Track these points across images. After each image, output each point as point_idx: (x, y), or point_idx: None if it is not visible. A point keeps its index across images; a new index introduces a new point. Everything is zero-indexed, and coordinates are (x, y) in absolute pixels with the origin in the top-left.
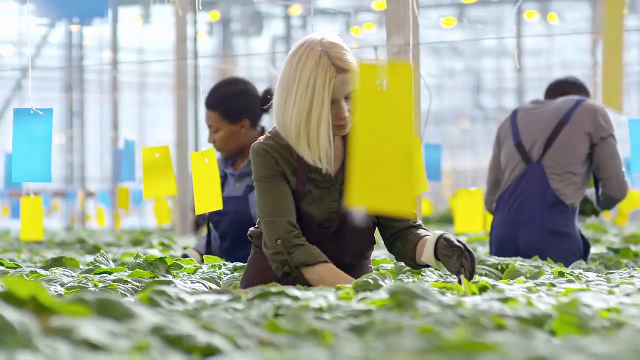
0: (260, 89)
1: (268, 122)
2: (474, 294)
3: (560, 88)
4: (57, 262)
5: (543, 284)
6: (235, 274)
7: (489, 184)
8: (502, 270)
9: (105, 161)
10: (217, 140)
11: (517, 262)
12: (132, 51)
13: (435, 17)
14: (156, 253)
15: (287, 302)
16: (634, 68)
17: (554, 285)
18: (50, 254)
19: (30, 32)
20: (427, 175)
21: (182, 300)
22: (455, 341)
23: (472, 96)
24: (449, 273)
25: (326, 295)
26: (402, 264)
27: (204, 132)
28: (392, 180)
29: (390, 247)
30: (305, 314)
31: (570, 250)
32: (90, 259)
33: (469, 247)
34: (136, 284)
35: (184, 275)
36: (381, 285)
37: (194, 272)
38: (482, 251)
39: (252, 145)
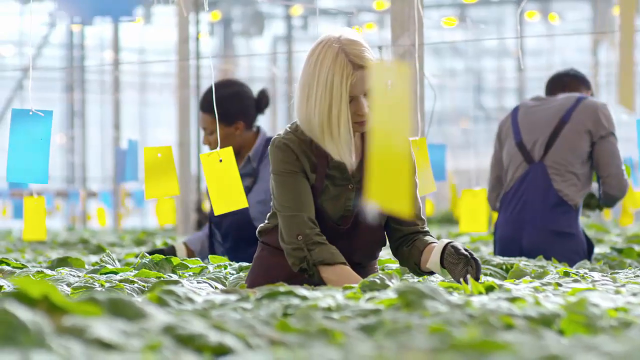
0: (259, 89)
1: (269, 121)
2: (480, 293)
3: (560, 80)
4: (63, 262)
5: (549, 284)
6: (241, 273)
7: (490, 181)
8: (507, 270)
9: (106, 161)
10: (212, 142)
11: (522, 262)
12: (133, 51)
13: (436, 17)
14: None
15: (295, 301)
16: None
17: (560, 285)
18: (54, 254)
19: (31, 32)
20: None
21: (190, 300)
22: (468, 340)
23: (473, 96)
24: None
25: (334, 294)
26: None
27: None
28: (394, 179)
29: (396, 251)
30: (314, 313)
31: (573, 250)
32: (94, 258)
33: (475, 256)
34: (142, 283)
35: (189, 275)
36: (388, 285)
37: (200, 272)
38: (485, 251)
39: (272, 139)
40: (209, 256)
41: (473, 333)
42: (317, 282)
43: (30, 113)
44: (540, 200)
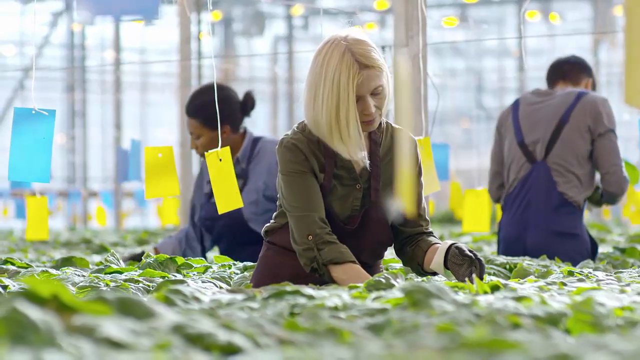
0: (260, 89)
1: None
2: (485, 292)
3: (560, 69)
4: (67, 262)
5: (554, 283)
6: (246, 273)
7: (491, 172)
8: (510, 270)
9: (107, 161)
10: (199, 146)
11: (525, 262)
12: (134, 51)
13: (436, 16)
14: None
15: (302, 301)
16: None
17: (565, 284)
18: (57, 254)
19: (32, 32)
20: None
21: (197, 299)
22: (478, 339)
23: (473, 96)
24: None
25: (340, 294)
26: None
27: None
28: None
29: (399, 251)
30: (321, 312)
31: (577, 250)
32: (97, 258)
33: (479, 256)
34: (147, 283)
35: (194, 274)
36: (393, 284)
37: (204, 272)
38: (488, 250)
39: (281, 139)
40: (213, 256)
41: (482, 332)
42: (327, 281)
43: (33, 112)
44: (543, 200)
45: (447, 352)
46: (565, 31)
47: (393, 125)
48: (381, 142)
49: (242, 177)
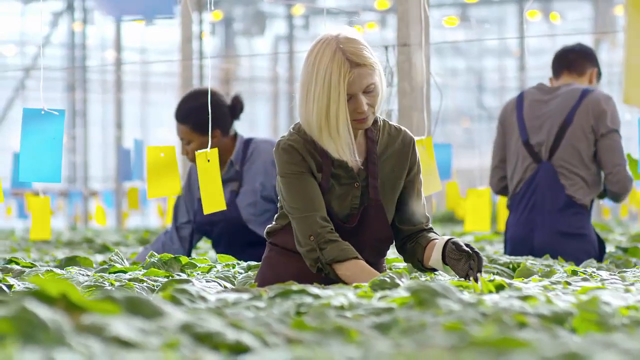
0: (260, 89)
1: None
2: (490, 292)
3: (565, 58)
4: (71, 261)
5: (558, 282)
6: (250, 272)
7: (493, 164)
8: (514, 269)
9: (108, 161)
10: (189, 152)
11: (528, 261)
12: (134, 50)
13: (437, 16)
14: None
15: (308, 300)
16: None
17: (569, 284)
18: (59, 254)
19: (38, 32)
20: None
21: (203, 299)
22: (487, 337)
23: (474, 96)
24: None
25: (346, 293)
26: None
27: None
28: None
29: (400, 248)
30: (328, 311)
31: (585, 250)
32: (100, 258)
33: (477, 249)
34: (152, 282)
35: (198, 274)
36: (398, 284)
37: (208, 271)
38: (490, 250)
39: (277, 141)
40: (217, 255)
41: (490, 331)
42: (334, 280)
43: (42, 112)
44: (550, 201)
45: (457, 351)
46: (565, 31)
47: (390, 123)
48: (378, 140)
49: (237, 179)
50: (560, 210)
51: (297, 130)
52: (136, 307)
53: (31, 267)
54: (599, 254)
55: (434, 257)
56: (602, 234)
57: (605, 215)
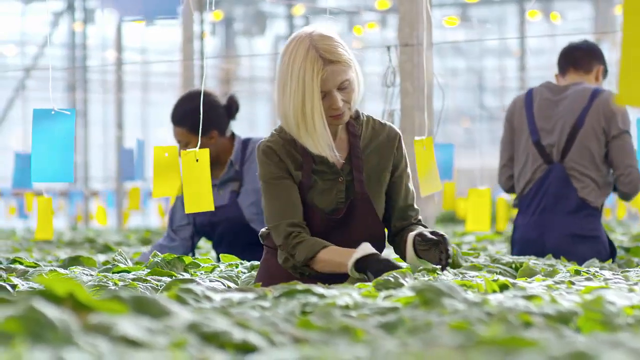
0: (260, 88)
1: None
2: (494, 291)
3: (572, 56)
4: (74, 261)
5: (562, 282)
6: (253, 272)
7: (501, 162)
8: (516, 269)
9: (108, 160)
10: None
11: (531, 261)
12: (134, 50)
13: (437, 16)
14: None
15: (313, 299)
16: None
17: (573, 283)
18: (61, 253)
19: (33, 32)
20: (440, 174)
21: (208, 298)
22: (495, 337)
23: (474, 95)
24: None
25: (350, 292)
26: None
27: None
28: None
29: (392, 243)
30: (333, 311)
31: (597, 252)
32: (102, 258)
33: (441, 232)
34: (155, 282)
35: (201, 273)
36: (402, 284)
37: (212, 271)
38: (492, 250)
39: (258, 144)
40: (220, 255)
41: (497, 330)
42: (328, 279)
43: (53, 112)
44: (562, 203)
45: (465, 350)
46: (566, 31)
47: (375, 118)
48: (361, 134)
49: (238, 179)
50: (572, 212)
51: (278, 131)
52: (143, 307)
53: (35, 267)
54: (611, 256)
55: (409, 254)
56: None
57: (606, 215)
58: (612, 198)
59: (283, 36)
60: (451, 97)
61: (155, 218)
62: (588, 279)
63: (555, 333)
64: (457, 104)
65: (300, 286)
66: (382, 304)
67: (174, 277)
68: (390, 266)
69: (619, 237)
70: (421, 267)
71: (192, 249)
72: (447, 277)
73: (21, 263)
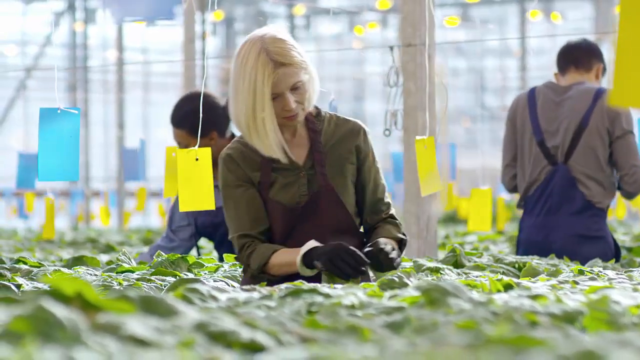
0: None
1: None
2: (499, 291)
3: (572, 55)
4: (78, 261)
5: (566, 281)
6: None
7: (504, 162)
8: (519, 269)
9: (109, 160)
10: None
11: (534, 261)
12: (135, 50)
13: (438, 16)
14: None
15: (318, 299)
16: None
17: (577, 283)
18: (64, 253)
19: (34, 32)
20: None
21: (214, 298)
22: (503, 336)
23: (475, 95)
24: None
25: (355, 292)
26: (421, 262)
27: None
28: None
29: (368, 239)
30: (339, 310)
31: (602, 253)
32: (104, 257)
33: (374, 248)
34: (159, 282)
35: (205, 273)
36: (406, 283)
37: (215, 271)
38: (494, 249)
39: (220, 153)
40: (224, 255)
41: (504, 329)
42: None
43: (58, 111)
44: (567, 204)
45: (474, 350)
46: (566, 31)
47: (339, 116)
48: (322, 129)
49: None
50: (578, 213)
51: (239, 137)
52: (151, 306)
53: (39, 267)
54: (616, 257)
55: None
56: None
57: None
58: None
59: None
60: (452, 97)
61: (155, 218)
62: (592, 279)
63: (562, 332)
64: (458, 104)
65: (306, 286)
66: (387, 304)
67: (178, 277)
68: (338, 249)
69: (620, 237)
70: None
71: (192, 249)
72: (451, 276)
73: (25, 263)
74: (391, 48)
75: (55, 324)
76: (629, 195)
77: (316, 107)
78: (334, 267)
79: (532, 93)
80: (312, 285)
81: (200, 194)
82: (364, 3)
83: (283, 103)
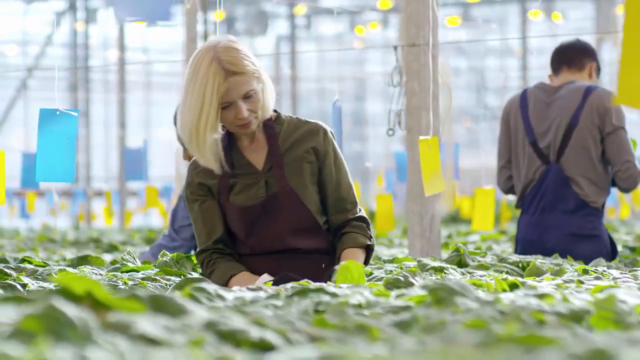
0: None
1: None
2: (504, 290)
3: (565, 55)
4: (83, 261)
5: (571, 281)
6: None
7: (499, 164)
8: (523, 268)
9: (110, 160)
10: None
11: (538, 260)
12: (136, 50)
13: (439, 15)
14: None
15: (325, 298)
16: None
17: (582, 282)
18: (67, 253)
19: (35, 32)
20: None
21: (221, 297)
22: (512, 335)
23: (476, 95)
24: None
25: (362, 291)
26: (425, 261)
27: None
28: None
29: (335, 239)
30: (347, 310)
31: (597, 251)
32: (108, 257)
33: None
34: (164, 281)
35: None
36: (412, 283)
37: None
38: (497, 249)
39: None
40: None
41: (513, 328)
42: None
43: (57, 113)
44: (561, 203)
45: (486, 348)
46: (567, 30)
47: (300, 118)
48: (281, 132)
49: None
50: (572, 212)
51: None
52: (160, 305)
53: (44, 267)
54: (611, 255)
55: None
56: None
57: (610, 214)
58: (615, 197)
59: (285, 36)
60: (453, 96)
61: (156, 218)
62: (597, 278)
63: (570, 331)
64: (459, 103)
65: (313, 285)
66: (394, 303)
67: (183, 277)
68: (285, 281)
69: (623, 237)
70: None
71: (194, 249)
72: (455, 276)
73: (30, 262)
74: (395, 48)
75: (66, 323)
76: (625, 191)
77: (275, 111)
78: None
79: (524, 94)
80: (318, 284)
81: None
82: (365, 3)
83: (235, 111)
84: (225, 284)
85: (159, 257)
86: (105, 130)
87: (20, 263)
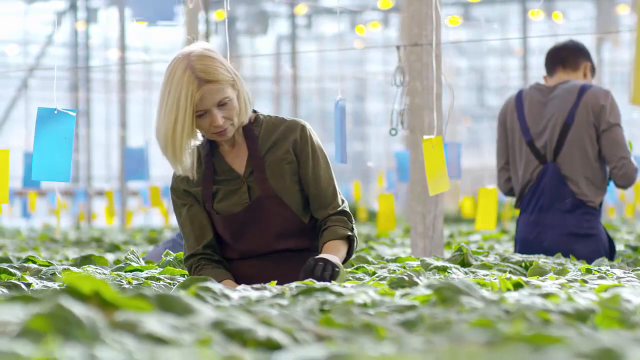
0: (263, 88)
1: None
2: (508, 289)
3: (558, 55)
4: (86, 260)
5: (575, 280)
6: None
7: (498, 166)
8: (526, 268)
9: (111, 160)
10: None
11: (541, 259)
12: (137, 50)
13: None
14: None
15: (330, 297)
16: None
17: (585, 282)
18: (70, 253)
19: (36, 31)
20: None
21: (226, 296)
22: (519, 334)
23: (476, 95)
24: None
25: (367, 291)
26: (428, 261)
27: None
28: None
29: (319, 234)
30: (352, 309)
31: (595, 250)
32: (110, 257)
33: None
34: (168, 281)
35: None
36: (416, 282)
37: None
38: (499, 249)
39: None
40: None
41: (519, 327)
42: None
43: (55, 112)
44: (558, 202)
45: (493, 347)
46: (568, 30)
47: (278, 117)
48: (259, 134)
49: None
50: (569, 211)
51: None
52: (167, 305)
53: (48, 266)
54: (610, 254)
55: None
56: (609, 233)
57: (610, 214)
58: (615, 197)
59: (285, 36)
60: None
61: (158, 218)
62: (601, 277)
63: (575, 330)
64: (460, 103)
65: (317, 284)
66: (400, 302)
67: (186, 276)
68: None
69: (624, 237)
70: None
71: None
72: (458, 275)
73: (34, 262)
74: (398, 48)
75: (74, 322)
76: (621, 187)
77: (254, 112)
78: None
79: (519, 95)
80: (324, 284)
81: None
82: (366, 2)
83: (211, 119)
84: None
85: (162, 256)
86: (106, 130)
87: (24, 262)
